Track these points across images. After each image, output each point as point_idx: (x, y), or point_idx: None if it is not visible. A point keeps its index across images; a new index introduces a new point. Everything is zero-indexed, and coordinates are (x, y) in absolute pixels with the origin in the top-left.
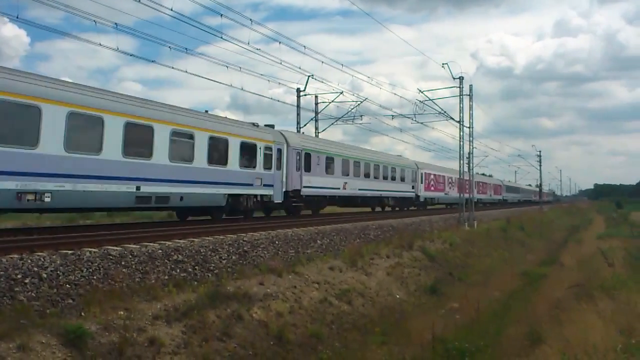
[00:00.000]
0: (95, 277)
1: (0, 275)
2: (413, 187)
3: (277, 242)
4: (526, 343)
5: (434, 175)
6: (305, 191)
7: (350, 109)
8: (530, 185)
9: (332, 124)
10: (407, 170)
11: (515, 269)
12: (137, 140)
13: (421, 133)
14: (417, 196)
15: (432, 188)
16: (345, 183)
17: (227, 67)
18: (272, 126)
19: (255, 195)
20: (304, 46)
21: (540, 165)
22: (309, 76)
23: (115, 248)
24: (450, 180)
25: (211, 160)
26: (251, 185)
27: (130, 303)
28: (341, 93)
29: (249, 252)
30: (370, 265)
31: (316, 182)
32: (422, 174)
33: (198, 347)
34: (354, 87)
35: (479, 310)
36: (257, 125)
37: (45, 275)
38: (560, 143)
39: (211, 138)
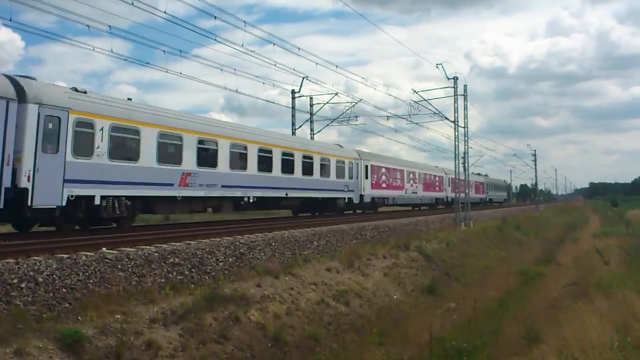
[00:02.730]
0: (91, 281)
1: None
2: None
3: (273, 243)
4: (523, 342)
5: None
6: None
7: (345, 110)
8: (437, 166)
9: (328, 125)
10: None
11: (511, 268)
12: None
13: (416, 133)
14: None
15: None
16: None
17: (221, 69)
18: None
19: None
20: (298, 48)
21: (535, 165)
22: (303, 77)
23: (111, 251)
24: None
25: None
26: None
27: (127, 306)
28: (336, 94)
29: (246, 254)
30: (367, 266)
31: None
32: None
33: (195, 350)
34: (349, 88)
35: (476, 309)
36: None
37: (41, 280)
38: (556, 142)
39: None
